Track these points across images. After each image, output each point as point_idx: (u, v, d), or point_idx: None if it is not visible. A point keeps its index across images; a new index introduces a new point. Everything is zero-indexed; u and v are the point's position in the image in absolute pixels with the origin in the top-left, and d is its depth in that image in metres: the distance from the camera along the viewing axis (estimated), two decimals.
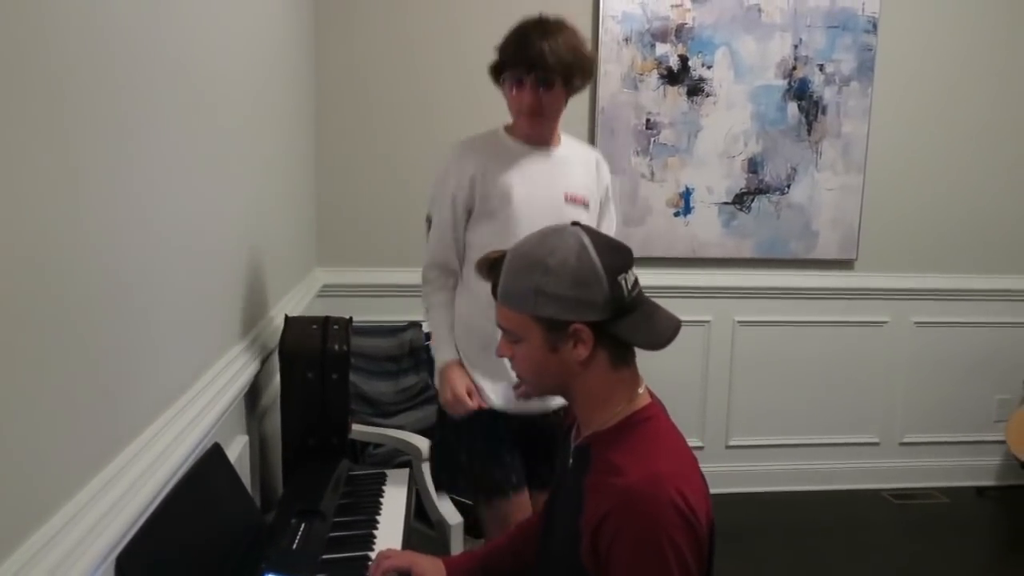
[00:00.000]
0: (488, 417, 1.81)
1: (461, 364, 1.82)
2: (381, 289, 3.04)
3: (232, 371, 1.64)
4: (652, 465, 1.07)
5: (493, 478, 1.81)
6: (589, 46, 1.79)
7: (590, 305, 1.11)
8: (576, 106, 3.15)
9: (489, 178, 1.78)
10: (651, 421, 1.16)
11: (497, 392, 1.80)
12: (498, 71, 1.77)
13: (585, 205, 1.83)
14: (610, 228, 1.96)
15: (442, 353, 1.82)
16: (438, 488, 2.17)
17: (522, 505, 1.82)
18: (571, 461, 1.23)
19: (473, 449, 1.84)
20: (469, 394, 1.77)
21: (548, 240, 1.15)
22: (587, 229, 1.18)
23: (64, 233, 0.96)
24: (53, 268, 0.94)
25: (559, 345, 1.13)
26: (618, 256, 1.15)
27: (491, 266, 1.21)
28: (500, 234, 1.73)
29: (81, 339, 1.01)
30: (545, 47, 1.66)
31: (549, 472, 1.88)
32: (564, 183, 1.81)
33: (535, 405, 1.78)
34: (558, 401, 1.78)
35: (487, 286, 1.73)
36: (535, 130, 1.79)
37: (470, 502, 2.25)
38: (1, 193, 0.83)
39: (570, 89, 1.75)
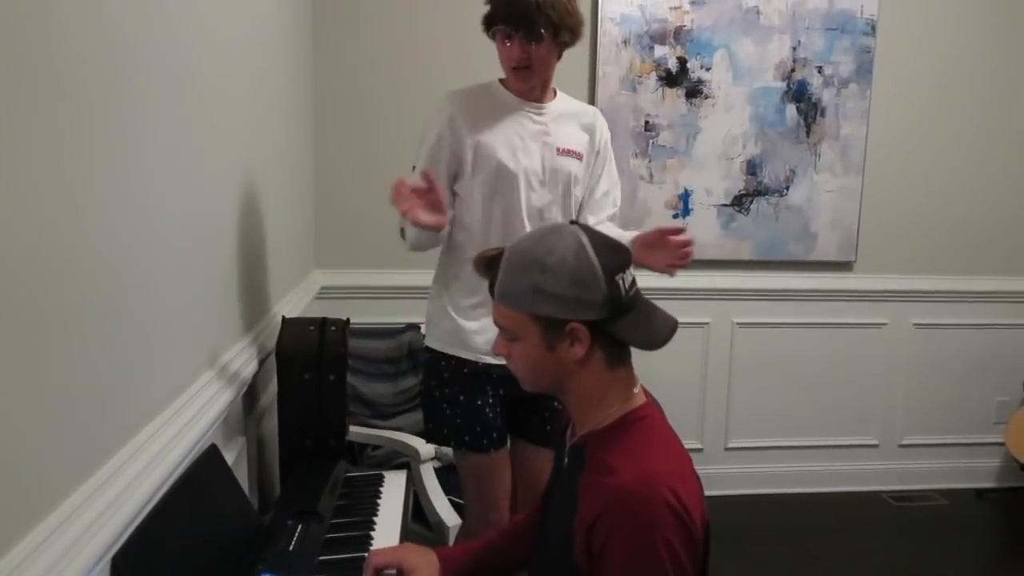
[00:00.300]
0: (471, 369, 1.83)
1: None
2: (379, 291, 3.04)
3: (229, 372, 1.64)
4: (645, 465, 1.07)
5: (473, 432, 1.82)
6: (579, 5, 1.81)
7: (588, 304, 1.11)
8: None
9: (477, 125, 1.78)
10: (645, 421, 1.16)
11: (482, 342, 1.81)
12: (489, 24, 1.77)
13: (579, 157, 1.86)
14: (612, 187, 1.96)
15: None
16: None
17: (500, 463, 1.86)
18: (566, 461, 1.23)
19: (455, 401, 1.84)
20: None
21: (547, 239, 1.16)
22: (585, 228, 1.18)
23: (62, 234, 0.96)
24: (51, 269, 0.94)
25: (556, 344, 1.13)
26: (616, 256, 1.15)
27: (488, 264, 1.20)
28: (498, 185, 1.77)
29: (78, 339, 1.01)
30: (533, 1, 1.67)
31: (540, 424, 1.90)
32: (557, 136, 1.83)
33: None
34: None
35: (475, 237, 1.71)
36: (525, 84, 1.80)
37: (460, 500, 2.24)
38: (5, 195, 0.83)
39: (559, 44, 1.76)
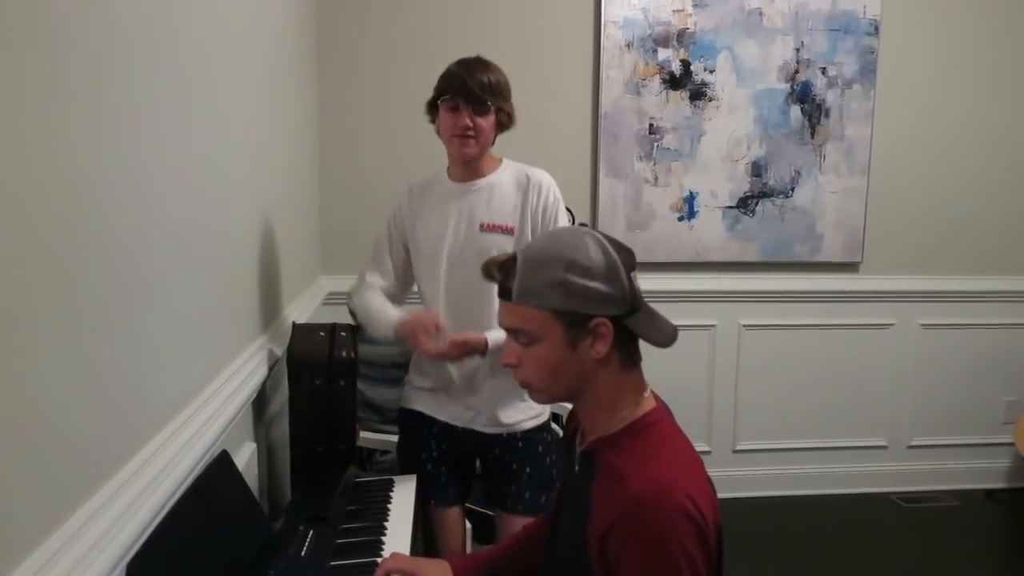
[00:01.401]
0: (415, 422, 1.98)
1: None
2: None
3: (240, 378, 1.65)
4: (658, 471, 1.07)
5: (425, 483, 1.94)
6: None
7: (611, 299, 1.12)
8: (578, 112, 3.18)
9: (416, 214, 1.95)
10: (656, 426, 1.16)
11: (432, 402, 1.95)
12: (437, 96, 1.87)
13: (506, 231, 1.88)
14: None
15: (390, 315, 1.89)
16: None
17: (446, 521, 1.97)
18: (576, 467, 1.23)
19: (401, 450, 2.05)
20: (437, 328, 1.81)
21: (563, 237, 1.16)
22: (594, 229, 1.19)
23: (71, 243, 0.97)
24: (62, 278, 0.94)
25: (579, 342, 1.13)
26: (627, 254, 1.17)
27: (500, 267, 1.19)
28: (427, 267, 1.92)
29: (89, 348, 1.01)
30: (483, 78, 1.82)
31: (514, 493, 1.94)
32: (481, 212, 1.88)
33: (464, 417, 1.92)
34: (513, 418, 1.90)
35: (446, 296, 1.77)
36: (468, 152, 1.86)
37: (481, 509, 2.25)
38: (10, 201, 0.83)
39: (500, 117, 1.87)
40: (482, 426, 1.91)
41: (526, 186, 1.89)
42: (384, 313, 1.90)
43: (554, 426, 2.04)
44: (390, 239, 1.99)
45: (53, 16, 0.92)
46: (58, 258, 0.94)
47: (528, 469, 1.92)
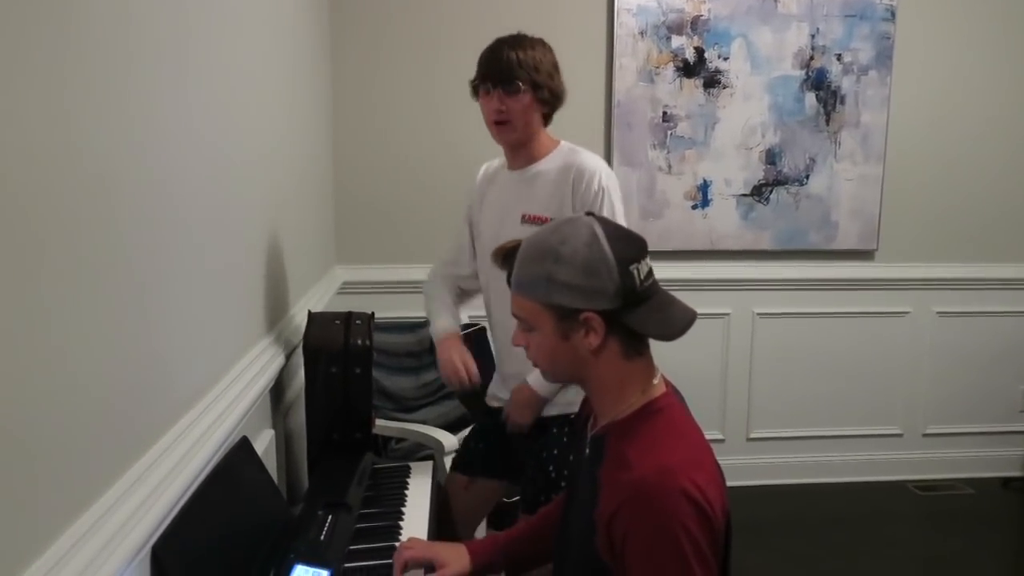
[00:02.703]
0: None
1: (458, 336, 1.90)
2: (400, 285, 3.06)
3: (258, 366, 1.67)
4: (662, 457, 1.08)
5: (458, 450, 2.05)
6: (561, 71, 1.84)
7: (600, 294, 1.11)
8: (592, 100, 3.17)
9: (479, 199, 1.93)
10: (664, 412, 1.16)
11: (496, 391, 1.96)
12: (474, 85, 1.82)
13: (545, 223, 1.77)
14: None
15: (442, 322, 1.91)
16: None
17: (452, 484, 1.99)
18: (587, 451, 1.24)
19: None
20: (467, 367, 1.84)
21: (561, 229, 1.16)
22: (600, 219, 1.18)
23: (97, 238, 0.98)
24: (88, 271, 0.96)
25: (570, 333, 1.14)
26: (630, 246, 1.15)
27: (505, 256, 1.21)
28: (480, 256, 1.90)
29: (116, 338, 1.03)
30: (512, 56, 1.73)
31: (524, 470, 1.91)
32: (525, 203, 1.81)
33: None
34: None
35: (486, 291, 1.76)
36: (505, 138, 1.80)
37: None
38: (36, 198, 0.85)
39: (540, 101, 1.77)
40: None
41: (568, 175, 1.78)
42: (434, 320, 1.93)
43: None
44: (465, 222, 1.98)
45: (81, 21, 0.93)
46: (87, 254, 0.96)
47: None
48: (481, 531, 2.17)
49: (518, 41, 1.77)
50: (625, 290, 1.11)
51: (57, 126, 0.89)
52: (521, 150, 1.83)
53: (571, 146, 1.86)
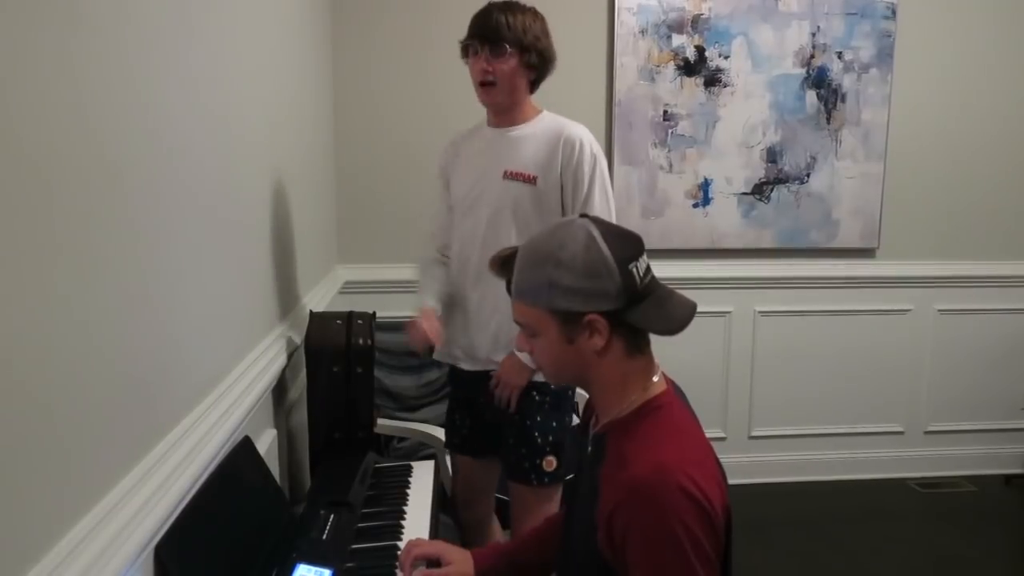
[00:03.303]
0: (452, 372, 2.04)
1: (434, 312, 1.93)
2: (401, 285, 3.05)
3: (260, 366, 1.67)
4: (659, 454, 1.08)
5: (446, 428, 2.08)
6: (552, 38, 1.87)
7: (603, 295, 1.12)
8: (593, 99, 3.17)
9: (450, 160, 1.96)
10: (663, 409, 1.16)
11: (448, 347, 1.97)
12: (463, 45, 1.85)
13: (529, 180, 1.82)
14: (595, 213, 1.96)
15: (425, 298, 1.95)
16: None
17: (460, 463, 2.05)
18: (590, 450, 1.24)
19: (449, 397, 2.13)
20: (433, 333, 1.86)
21: (557, 233, 1.16)
22: (595, 220, 1.18)
23: (103, 239, 0.99)
24: (92, 272, 0.97)
25: (575, 337, 1.14)
26: (628, 244, 1.15)
27: (503, 263, 1.21)
28: (455, 212, 1.92)
29: (120, 339, 1.04)
30: (501, 19, 1.76)
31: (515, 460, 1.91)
32: (508, 160, 1.83)
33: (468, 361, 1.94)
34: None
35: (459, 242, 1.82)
36: (490, 100, 1.83)
37: (500, 496, 2.27)
38: (46, 199, 0.85)
39: (527, 66, 1.80)
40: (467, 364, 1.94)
41: (558, 141, 1.80)
42: (419, 295, 1.97)
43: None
44: (441, 182, 1.99)
45: (86, 23, 0.94)
46: (92, 255, 0.96)
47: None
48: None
49: (508, 6, 1.80)
50: (627, 289, 1.12)
51: (75, 125, 0.89)
52: (505, 114, 1.86)
53: (554, 115, 1.89)
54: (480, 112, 1.97)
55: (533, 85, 1.86)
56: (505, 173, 1.83)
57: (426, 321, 1.86)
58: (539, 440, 1.84)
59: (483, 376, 1.91)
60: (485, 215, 1.85)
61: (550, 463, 1.86)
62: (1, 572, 0.77)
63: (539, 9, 1.88)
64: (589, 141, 1.84)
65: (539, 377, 1.83)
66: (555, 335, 1.15)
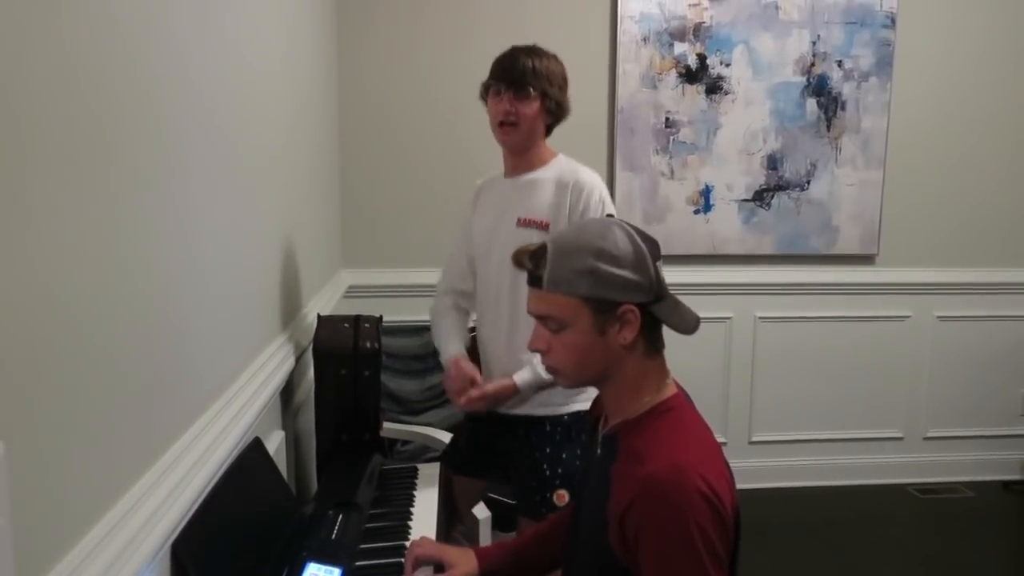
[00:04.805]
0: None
1: (466, 356, 1.91)
2: (406, 289, 3.09)
3: (269, 369, 1.70)
4: (674, 454, 1.10)
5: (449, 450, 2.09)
6: (568, 90, 1.89)
7: (639, 287, 1.16)
8: (595, 106, 3.20)
9: (475, 212, 1.97)
10: (676, 411, 1.19)
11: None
12: (486, 87, 1.87)
13: (542, 227, 1.83)
14: None
15: (450, 348, 1.93)
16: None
17: (461, 486, 2.02)
18: (599, 450, 1.27)
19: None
20: (473, 383, 1.84)
21: (592, 227, 1.21)
22: (620, 220, 1.23)
23: (121, 248, 1.01)
24: (112, 279, 0.99)
25: (607, 328, 1.16)
26: (653, 245, 1.21)
27: (531, 256, 1.21)
28: (480, 264, 1.93)
29: (135, 345, 1.06)
30: (527, 62, 1.80)
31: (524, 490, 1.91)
32: (521, 208, 1.86)
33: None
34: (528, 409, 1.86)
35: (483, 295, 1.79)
36: (509, 140, 1.85)
37: (502, 499, 2.28)
38: (60, 209, 0.88)
39: (546, 111, 1.84)
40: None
41: (568, 186, 1.83)
42: (444, 347, 1.94)
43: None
44: (458, 240, 2.00)
45: (98, 32, 0.96)
46: (113, 263, 0.98)
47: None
48: (486, 539, 2.19)
49: (534, 51, 1.84)
50: (657, 284, 1.17)
51: (82, 131, 0.92)
52: (521, 156, 1.88)
53: (568, 159, 1.92)
54: (484, 128, 1.98)
55: (548, 129, 1.90)
56: (519, 221, 1.85)
57: (464, 368, 1.85)
58: (548, 472, 1.84)
59: (513, 419, 1.90)
60: (495, 265, 1.88)
61: (561, 497, 1.83)
62: (27, 569, 0.79)
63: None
64: (599, 188, 1.86)
65: (550, 409, 1.85)
66: (587, 326, 1.16)
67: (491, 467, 1.99)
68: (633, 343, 1.17)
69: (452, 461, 2.04)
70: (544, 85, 1.81)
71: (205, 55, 1.36)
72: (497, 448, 1.94)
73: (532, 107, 1.81)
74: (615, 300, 1.15)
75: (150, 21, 1.11)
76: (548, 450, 1.85)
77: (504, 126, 1.83)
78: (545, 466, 1.84)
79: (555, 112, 1.86)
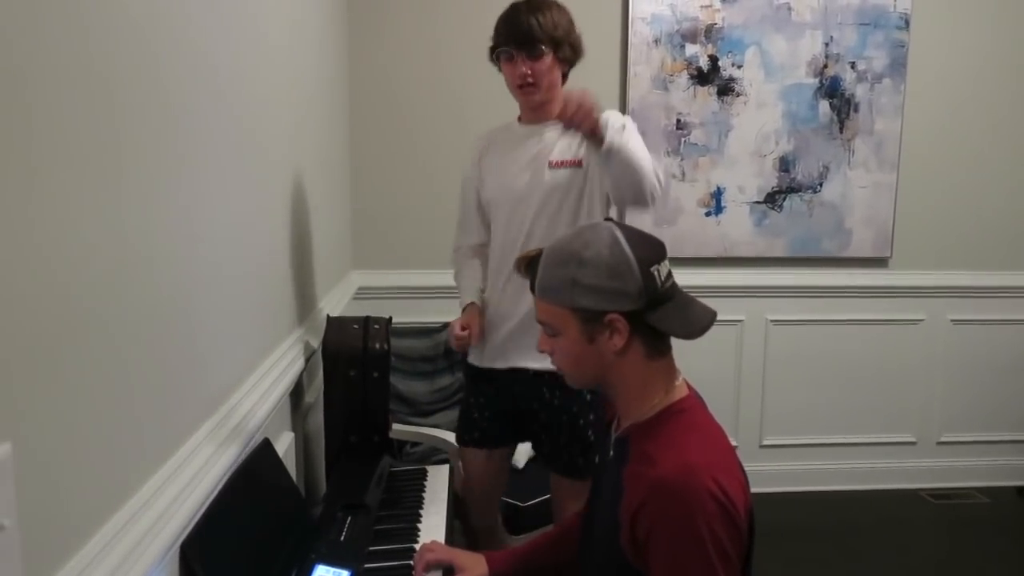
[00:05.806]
0: (472, 371, 2.01)
1: (477, 308, 1.94)
2: (415, 291, 3.09)
3: (279, 369, 1.70)
4: (687, 456, 1.10)
5: (461, 426, 2.04)
6: (578, 27, 1.88)
7: (624, 295, 1.14)
8: (607, 107, 3.16)
9: (485, 161, 1.96)
10: (687, 413, 1.18)
11: (477, 350, 1.95)
12: (493, 51, 1.87)
13: (574, 164, 1.85)
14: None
15: (464, 297, 1.98)
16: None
17: (472, 460, 2.02)
18: (611, 453, 1.26)
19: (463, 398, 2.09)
20: (465, 329, 1.88)
21: (582, 234, 1.20)
22: (620, 224, 1.21)
23: (134, 250, 1.01)
24: (125, 282, 0.99)
25: (595, 336, 1.16)
26: (650, 248, 1.18)
27: (528, 264, 1.24)
28: (492, 213, 1.93)
29: (147, 346, 1.06)
30: (532, 20, 1.78)
31: (567, 459, 1.92)
32: (550, 151, 1.86)
33: (502, 362, 1.92)
34: (535, 363, 1.85)
35: (491, 259, 1.84)
36: (530, 101, 1.86)
37: (511, 501, 2.28)
38: (72, 208, 0.88)
39: (560, 58, 1.84)
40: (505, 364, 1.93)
41: None
42: (463, 291, 1.98)
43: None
44: (468, 188, 2.00)
45: (106, 21, 0.96)
46: (125, 266, 0.98)
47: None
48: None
49: (533, 5, 1.82)
50: (647, 290, 1.14)
51: (93, 131, 0.92)
52: (541, 109, 1.89)
53: None
54: (501, 112, 1.99)
55: (564, 76, 1.90)
56: (551, 163, 1.86)
57: (465, 318, 1.90)
58: (592, 437, 1.86)
59: (522, 374, 1.90)
60: (533, 209, 1.87)
61: None
62: (35, 569, 0.79)
63: None
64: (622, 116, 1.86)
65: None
66: (576, 334, 1.17)
67: (506, 430, 1.98)
68: (625, 349, 1.16)
69: (473, 437, 2.01)
70: (553, 36, 1.80)
71: (218, 49, 1.36)
72: (521, 408, 1.94)
73: (546, 63, 1.82)
74: (598, 310, 1.14)
75: (164, 19, 1.11)
76: (592, 416, 1.86)
77: (523, 88, 1.83)
78: (589, 432, 1.86)
79: (570, 58, 1.86)
